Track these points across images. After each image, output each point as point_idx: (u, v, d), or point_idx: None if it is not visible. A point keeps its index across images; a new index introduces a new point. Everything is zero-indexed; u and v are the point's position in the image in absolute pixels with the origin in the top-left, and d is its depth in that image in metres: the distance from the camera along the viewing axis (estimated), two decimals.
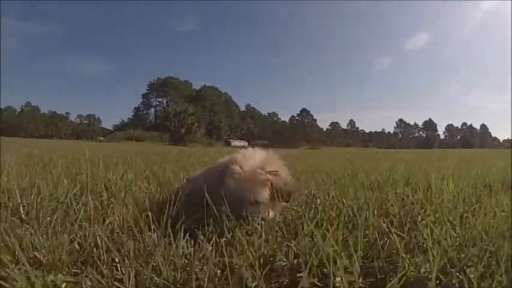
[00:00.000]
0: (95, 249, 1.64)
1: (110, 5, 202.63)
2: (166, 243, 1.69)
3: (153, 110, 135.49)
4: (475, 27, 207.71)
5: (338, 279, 1.43)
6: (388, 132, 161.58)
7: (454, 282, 1.43)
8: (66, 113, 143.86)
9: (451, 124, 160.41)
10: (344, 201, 2.64)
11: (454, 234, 1.91)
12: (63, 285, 1.33)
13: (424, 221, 2.13)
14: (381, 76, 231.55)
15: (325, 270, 1.53)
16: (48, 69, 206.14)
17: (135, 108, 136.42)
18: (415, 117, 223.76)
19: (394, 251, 1.75)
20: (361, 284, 1.49)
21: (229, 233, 1.95)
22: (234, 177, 2.21)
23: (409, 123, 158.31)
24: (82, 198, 2.61)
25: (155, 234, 1.84)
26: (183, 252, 1.67)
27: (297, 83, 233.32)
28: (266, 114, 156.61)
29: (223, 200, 2.12)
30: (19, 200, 2.53)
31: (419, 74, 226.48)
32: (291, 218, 2.29)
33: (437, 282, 1.42)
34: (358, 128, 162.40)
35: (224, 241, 1.84)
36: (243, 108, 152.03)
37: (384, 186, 3.89)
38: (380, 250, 1.74)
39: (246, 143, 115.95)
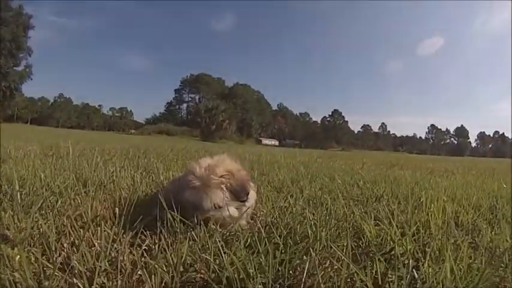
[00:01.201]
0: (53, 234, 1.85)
1: (150, 5, 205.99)
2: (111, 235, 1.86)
3: (185, 105, 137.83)
4: None
5: None
6: (420, 137, 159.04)
7: None
8: (99, 105, 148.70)
9: (483, 132, 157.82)
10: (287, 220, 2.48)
11: (416, 274, 1.64)
12: (17, 258, 1.56)
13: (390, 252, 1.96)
14: (413, 80, 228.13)
15: None
16: (84, 63, 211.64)
17: (168, 103, 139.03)
18: (447, 123, 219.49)
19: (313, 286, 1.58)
20: None
21: (167, 236, 2.03)
22: (189, 187, 2.27)
23: (440, 129, 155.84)
24: (70, 190, 2.87)
25: (111, 227, 2.02)
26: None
27: (329, 83, 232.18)
28: (298, 114, 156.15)
29: (184, 209, 2.20)
30: (17, 188, 2.75)
31: (451, 79, 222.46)
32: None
33: None
34: (389, 131, 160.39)
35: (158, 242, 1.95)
36: (274, 107, 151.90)
37: (378, 200, 3.66)
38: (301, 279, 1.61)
39: (276, 142, 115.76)
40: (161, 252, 1.81)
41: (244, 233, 2.10)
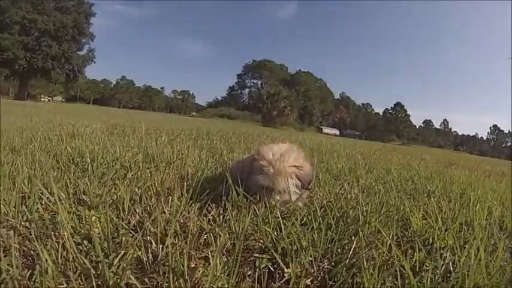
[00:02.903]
0: (127, 201, 2.09)
1: None
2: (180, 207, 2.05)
3: (247, 90, 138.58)
4: None
5: (289, 270, 1.59)
6: (481, 137, 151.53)
7: None
8: (161, 87, 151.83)
9: None
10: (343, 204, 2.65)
11: (451, 267, 1.76)
12: (93, 218, 1.85)
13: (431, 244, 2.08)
14: (478, 76, 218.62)
15: (287, 260, 1.65)
16: (148, 49, 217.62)
17: (230, 87, 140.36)
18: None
19: (357, 262, 1.68)
20: (309, 283, 1.58)
21: (232, 208, 2.19)
22: (262, 171, 2.41)
23: (503, 131, 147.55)
24: (141, 164, 3.14)
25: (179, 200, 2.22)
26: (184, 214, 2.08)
27: (394, 75, 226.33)
28: (360, 105, 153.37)
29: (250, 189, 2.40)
30: (89, 160, 3.15)
31: None
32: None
33: None
34: (451, 128, 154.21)
35: (222, 213, 2.18)
36: (337, 96, 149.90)
37: (429, 195, 3.70)
38: (352, 258, 1.72)
39: (337, 131, 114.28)
40: (225, 222, 2.04)
41: (301, 212, 2.26)
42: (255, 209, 2.21)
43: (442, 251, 1.95)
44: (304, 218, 2.19)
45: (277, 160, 2.44)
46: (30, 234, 1.64)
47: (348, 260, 1.71)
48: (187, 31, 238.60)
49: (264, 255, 1.72)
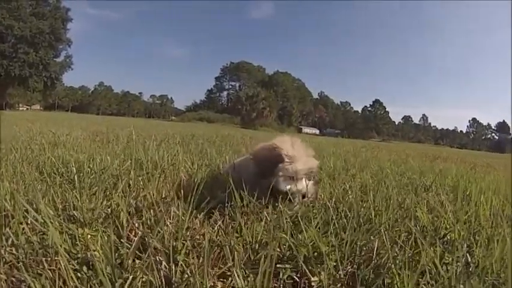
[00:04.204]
0: (121, 215, 1.88)
1: None
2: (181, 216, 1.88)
3: (225, 93, 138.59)
4: None
5: (316, 279, 1.54)
6: (461, 131, 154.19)
7: None
8: (139, 92, 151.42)
9: None
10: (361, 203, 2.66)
11: (469, 258, 1.79)
12: (88, 237, 1.62)
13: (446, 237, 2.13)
14: (458, 71, 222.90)
15: (310, 268, 1.60)
16: (124, 53, 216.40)
17: (208, 90, 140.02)
18: (489, 118, 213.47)
19: (387, 261, 1.68)
20: None
21: (240, 215, 2.08)
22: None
23: (482, 123, 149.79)
24: (130, 173, 2.94)
25: (177, 208, 2.04)
26: (191, 226, 1.91)
27: (371, 73, 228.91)
28: (339, 103, 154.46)
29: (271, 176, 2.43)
30: (74, 171, 2.88)
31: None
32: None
33: None
34: (430, 123, 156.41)
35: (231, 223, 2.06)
36: (315, 96, 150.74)
37: (427, 190, 3.88)
38: (375, 259, 1.72)
39: (317, 131, 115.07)
40: (236, 232, 1.90)
41: (310, 214, 2.19)
42: (265, 215, 2.13)
43: (456, 243, 1.89)
44: (318, 221, 2.09)
45: (296, 158, 2.47)
46: (18, 262, 1.41)
47: (373, 261, 1.69)
48: (164, 34, 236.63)
49: (286, 265, 1.61)
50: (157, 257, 1.50)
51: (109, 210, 2.02)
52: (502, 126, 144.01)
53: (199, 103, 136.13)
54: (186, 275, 1.39)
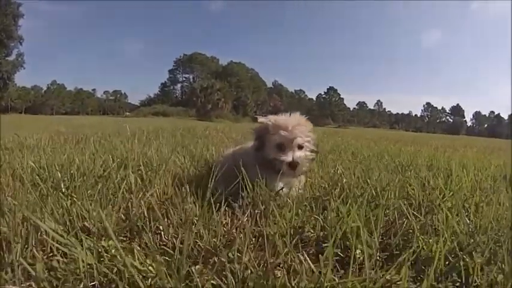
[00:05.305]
0: (139, 219, 1.75)
1: None
2: (206, 213, 1.83)
3: (179, 85, 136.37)
4: None
5: (358, 251, 1.63)
6: (415, 115, 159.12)
7: (461, 264, 1.55)
8: (93, 89, 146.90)
9: (479, 112, 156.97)
10: (368, 181, 2.89)
11: (468, 220, 2.06)
12: (113, 251, 1.42)
13: (441, 206, 2.27)
14: (410, 58, 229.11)
15: (347, 243, 1.72)
16: (76, 48, 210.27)
17: (162, 84, 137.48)
18: (443, 102, 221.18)
19: (411, 231, 1.94)
20: (378, 257, 1.65)
21: (262, 205, 2.13)
22: (284, 128, 2.51)
23: (436, 107, 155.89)
24: (119, 172, 2.76)
25: (195, 205, 1.99)
26: (221, 221, 1.80)
27: (325, 60, 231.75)
28: (293, 91, 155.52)
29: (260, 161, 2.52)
30: (59, 175, 2.67)
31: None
32: (318, 193, 2.62)
33: (447, 262, 1.59)
34: (385, 109, 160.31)
35: (257, 212, 2.02)
36: (269, 85, 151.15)
37: (406, 170, 4.07)
38: (398, 229, 1.95)
39: None
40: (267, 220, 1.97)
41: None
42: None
43: (452, 209, 2.20)
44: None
45: (291, 119, 2.63)
46: None
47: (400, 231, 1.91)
48: (117, 27, 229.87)
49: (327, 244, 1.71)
50: (214, 259, 1.45)
51: (121, 215, 1.87)
52: (456, 109, 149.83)
53: (153, 97, 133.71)
54: (249, 271, 1.36)
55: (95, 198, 2.12)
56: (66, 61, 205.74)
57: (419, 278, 1.53)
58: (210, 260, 1.47)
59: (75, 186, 2.42)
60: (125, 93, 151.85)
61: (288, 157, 2.42)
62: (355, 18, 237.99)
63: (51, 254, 1.49)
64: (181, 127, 12.79)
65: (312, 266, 1.42)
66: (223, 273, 1.32)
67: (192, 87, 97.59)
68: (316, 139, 2.75)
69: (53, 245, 1.47)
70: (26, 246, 1.48)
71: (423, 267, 1.59)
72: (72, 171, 2.83)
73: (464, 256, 1.59)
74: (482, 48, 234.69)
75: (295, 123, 2.56)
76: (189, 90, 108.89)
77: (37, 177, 2.75)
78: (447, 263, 1.59)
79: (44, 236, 1.55)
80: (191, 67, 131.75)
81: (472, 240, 1.77)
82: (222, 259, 1.38)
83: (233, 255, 1.44)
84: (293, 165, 2.41)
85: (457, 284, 1.50)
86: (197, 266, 1.38)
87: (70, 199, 2.10)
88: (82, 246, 1.43)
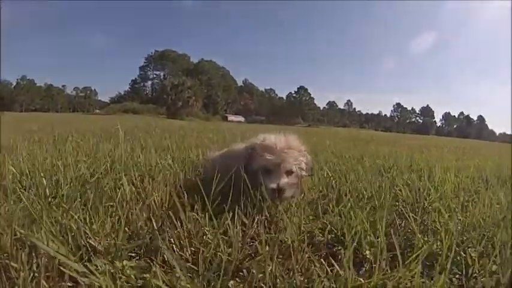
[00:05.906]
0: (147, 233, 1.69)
1: None
2: (216, 223, 1.81)
3: (150, 82, 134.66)
4: None
5: (368, 252, 1.78)
6: (385, 115, 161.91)
7: (459, 258, 1.78)
8: (63, 85, 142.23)
9: (448, 112, 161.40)
10: (361, 184, 3.04)
11: (457, 220, 2.26)
12: (129, 271, 1.33)
13: (431, 206, 2.60)
14: (381, 61, 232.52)
15: (355, 244, 1.74)
16: (47, 44, 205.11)
17: (132, 80, 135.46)
18: (413, 103, 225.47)
19: (409, 231, 2.14)
20: (384, 257, 1.67)
21: (268, 212, 2.19)
22: (272, 151, 2.41)
23: (406, 108, 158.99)
24: (108, 177, 2.64)
25: (197, 213, 1.94)
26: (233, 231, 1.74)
27: (295, 60, 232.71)
28: (263, 90, 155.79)
29: (258, 173, 2.39)
30: (44, 182, 2.48)
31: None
32: (317, 197, 2.69)
33: (446, 257, 1.66)
34: (355, 108, 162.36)
35: (264, 219, 2.06)
36: (240, 83, 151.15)
37: (389, 171, 4.21)
38: (398, 229, 2.15)
39: (242, 119, 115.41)
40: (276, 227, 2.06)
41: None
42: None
43: (446, 210, 2.42)
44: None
45: (282, 141, 2.51)
46: None
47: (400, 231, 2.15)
48: (88, 21, 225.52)
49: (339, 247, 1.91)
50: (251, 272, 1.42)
51: (127, 229, 1.77)
52: (425, 110, 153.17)
53: (123, 94, 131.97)
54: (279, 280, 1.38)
55: (88, 207, 2.01)
56: (35, 56, 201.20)
57: (425, 273, 1.65)
58: (238, 273, 1.46)
59: (63, 195, 2.30)
60: (94, 90, 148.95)
61: (273, 184, 2.31)
62: (328, 17, 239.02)
63: (58, 279, 1.35)
64: (155, 126, 12.58)
65: (328, 269, 1.52)
66: (253, 285, 1.33)
67: (163, 84, 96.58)
68: (311, 161, 2.72)
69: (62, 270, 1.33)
70: (30, 273, 1.32)
71: (427, 263, 1.72)
72: (57, 177, 2.65)
73: (461, 252, 1.80)
74: (452, 49, 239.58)
75: (284, 146, 2.46)
76: (159, 87, 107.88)
77: (19, 184, 2.57)
78: (446, 257, 1.68)
79: (49, 259, 1.38)
80: (162, 64, 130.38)
81: (465, 237, 2.02)
82: (253, 271, 1.38)
83: (261, 266, 1.43)
84: (278, 192, 2.31)
85: (457, 275, 1.70)
86: (231, 282, 1.36)
87: (62, 211, 1.94)
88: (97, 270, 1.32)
